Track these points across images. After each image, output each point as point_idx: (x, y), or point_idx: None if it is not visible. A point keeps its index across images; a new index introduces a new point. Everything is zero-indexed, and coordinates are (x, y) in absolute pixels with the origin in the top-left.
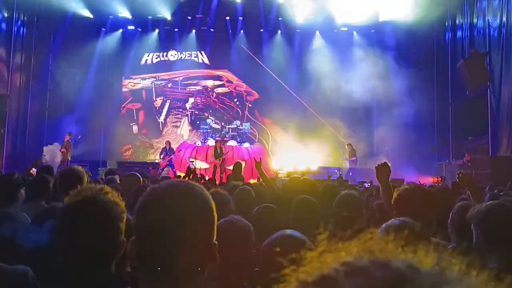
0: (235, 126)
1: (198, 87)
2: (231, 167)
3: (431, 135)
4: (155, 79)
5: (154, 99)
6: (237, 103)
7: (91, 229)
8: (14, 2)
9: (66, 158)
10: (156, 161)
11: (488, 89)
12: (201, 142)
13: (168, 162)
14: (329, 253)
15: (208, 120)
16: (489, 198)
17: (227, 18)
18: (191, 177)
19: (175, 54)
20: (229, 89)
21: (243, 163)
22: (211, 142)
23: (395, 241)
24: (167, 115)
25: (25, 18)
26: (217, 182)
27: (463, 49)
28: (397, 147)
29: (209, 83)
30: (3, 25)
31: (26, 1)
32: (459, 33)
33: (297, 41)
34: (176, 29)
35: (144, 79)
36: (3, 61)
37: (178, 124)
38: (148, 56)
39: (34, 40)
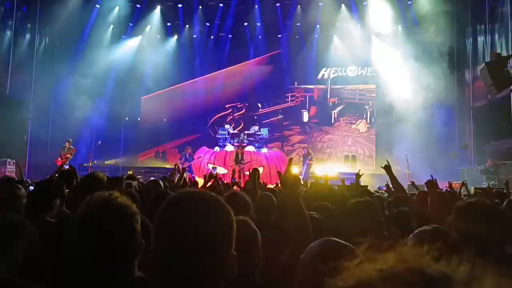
0: (253, 131)
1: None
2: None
3: (452, 140)
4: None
5: (329, 97)
6: None
7: (107, 235)
8: (36, 13)
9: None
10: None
11: (511, 93)
12: (220, 147)
13: (187, 168)
14: (366, 262)
15: (226, 126)
16: (507, 204)
17: None
18: (212, 183)
19: (354, 70)
20: None
21: (260, 169)
22: (229, 147)
23: (429, 250)
24: (340, 114)
25: (47, 28)
26: (241, 186)
27: (484, 52)
28: (417, 152)
29: None
30: (27, 36)
31: (48, 9)
32: (480, 36)
33: None
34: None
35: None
36: (26, 69)
37: (353, 121)
38: (325, 71)
39: (56, 47)
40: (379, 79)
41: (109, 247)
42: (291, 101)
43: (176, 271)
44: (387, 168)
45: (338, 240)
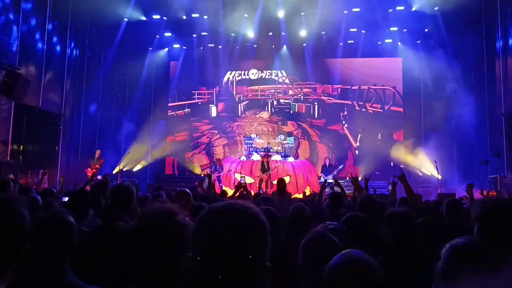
0: (279, 140)
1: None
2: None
3: (484, 147)
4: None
5: (235, 94)
6: None
7: (163, 252)
8: (67, 26)
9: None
10: (202, 175)
11: None
12: (246, 157)
13: (216, 178)
14: None
15: (253, 135)
16: None
17: None
18: (243, 192)
19: (256, 73)
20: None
21: (287, 178)
22: (255, 156)
23: None
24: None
25: (77, 41)
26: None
27: None
28: (447, 160)
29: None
30: (58, 48)
31: (79, 23)
32: (510, 40)
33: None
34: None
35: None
36: (58, 82)
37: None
38: (230, 74)
39: (86, 60)
40: None
41: (164, 263)
42: None
43: (214, 280)
44: (402, 178)
45: (358, 252)
